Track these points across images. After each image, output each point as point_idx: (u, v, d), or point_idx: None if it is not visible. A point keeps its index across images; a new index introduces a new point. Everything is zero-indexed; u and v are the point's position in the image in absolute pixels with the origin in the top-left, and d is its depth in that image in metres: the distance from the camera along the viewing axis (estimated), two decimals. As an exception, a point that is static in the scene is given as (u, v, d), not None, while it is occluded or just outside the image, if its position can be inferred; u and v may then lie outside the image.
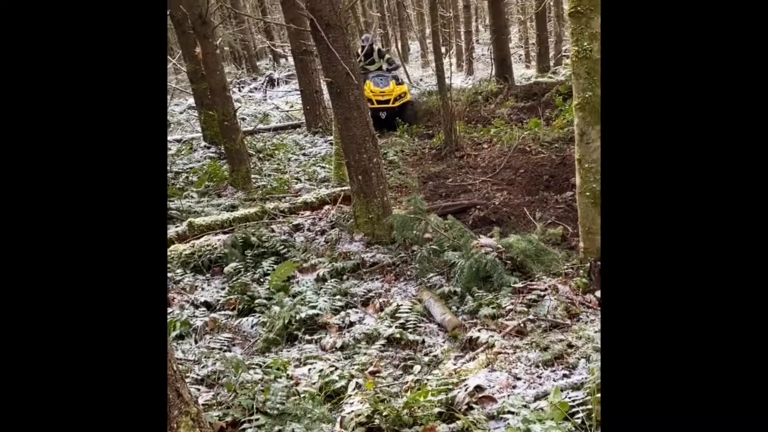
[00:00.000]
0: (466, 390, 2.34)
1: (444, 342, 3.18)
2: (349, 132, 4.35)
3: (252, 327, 3.65)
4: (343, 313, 3.59)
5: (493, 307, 3.24)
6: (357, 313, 3.62)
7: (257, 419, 2.42)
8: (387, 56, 10.74)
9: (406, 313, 3.42)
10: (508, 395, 2.29)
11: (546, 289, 3.30)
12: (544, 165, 6.83)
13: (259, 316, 3.69)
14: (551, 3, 16.26)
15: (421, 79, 15.58)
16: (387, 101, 9.81)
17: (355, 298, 3.85)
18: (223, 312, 3.83)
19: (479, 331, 2.96)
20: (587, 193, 3.25)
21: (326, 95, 9.60)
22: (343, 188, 5.62)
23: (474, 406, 2.28)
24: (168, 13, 7.92)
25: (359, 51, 10.16)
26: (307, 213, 5.30)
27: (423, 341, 3.18)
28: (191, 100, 11.84)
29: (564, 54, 16.56)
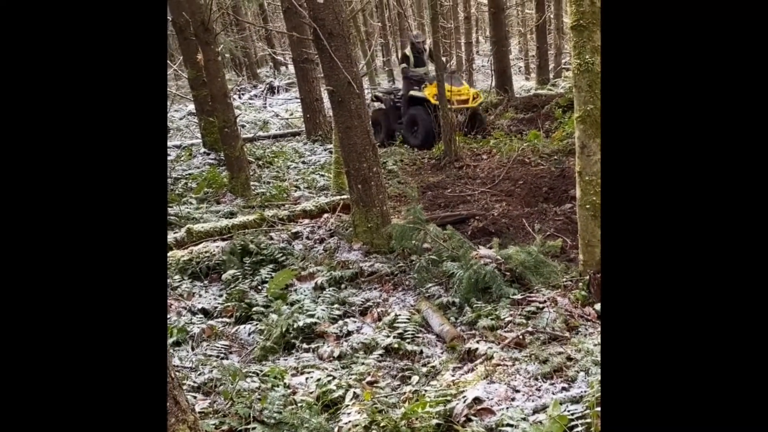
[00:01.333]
0: (464, 402, 2.33)
1: (442, 353, 3.16)
2: (350, 141, 4.36)
3: (249, 335, 3.64)
4: (341, 323, 3.58)
5: (492, 319, 3.22)
6: (355, 322, 3.61)
7: (254, 428, 2.40)
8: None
9: (405, 323, 3.40)
10: (507, 408, 2.28)
11: (545, 302, 3.29)
12: (544, 177, 6.84)
13: (257, 324, 3.67)
14: (551, 16, 16.36)
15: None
16: (466, 100, 9.19)
17: (353, 308, 3.83)
18: (220, 319, 3.82)
19: (478, 342, 2.94)
20: (587, 206, 3.25)
21: (327, 104, 9.64)
22: (342, 197, 5.61)
23: (473, 418, 2.27)
24: (170, 19, 7.94)
25: (407, 51, 9.76)
26: (306, 221, 5.30)
27: (421, 352, 3.17)
28: (191, 106, 11.86)
29: (564, 66, 16.64)
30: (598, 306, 3.18)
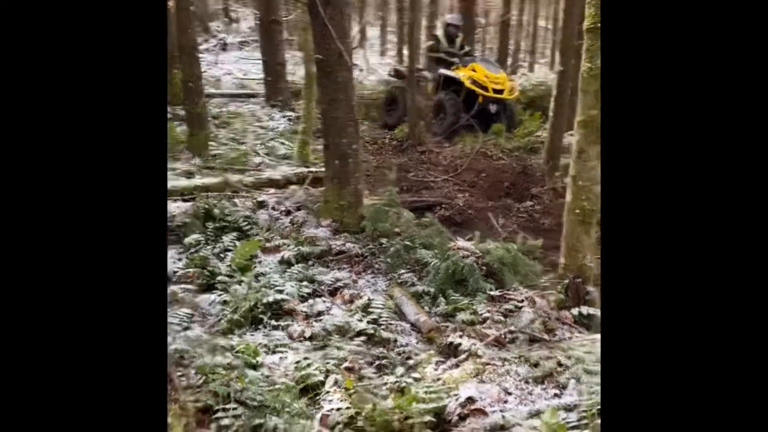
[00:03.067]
0: (457, 400, 2.28)
1: (418, 343, 3.10)
2: (333, 113, 4.20)
3: (210, 304, 3.47)
4: (310, 301, 3.46)
5: (470, 313, 3.19)
6: (325, 302, 3.49)
7: (234, 408, 2.27)
8: (466, 47, 9.18)
9: (380, 308, 3.31)
10: (501, 410, 2.24)
11: (523, 301, 3.28)
12: (505, 172, 6.88)
13: (221, 294, 3.50)
14: (516, 12, 16.50)
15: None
16: (502, 91, 8.25)
17: (323, 287, 3.71)
18: (181, 285, 3.61)
19: (461, 337, 2.89)
20: (577, 211, 3.25)
21: (289, 68, 9.37)
22: (310, 170, 5.45)
23: (465, 417, 2.22)
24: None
25: (438, 33, 9.08)
26: (272, 190, 5.11)
27: (395, 340, 3.09)
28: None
29: (520, 63, 16.86)
30: (575, 310, 3.20)
